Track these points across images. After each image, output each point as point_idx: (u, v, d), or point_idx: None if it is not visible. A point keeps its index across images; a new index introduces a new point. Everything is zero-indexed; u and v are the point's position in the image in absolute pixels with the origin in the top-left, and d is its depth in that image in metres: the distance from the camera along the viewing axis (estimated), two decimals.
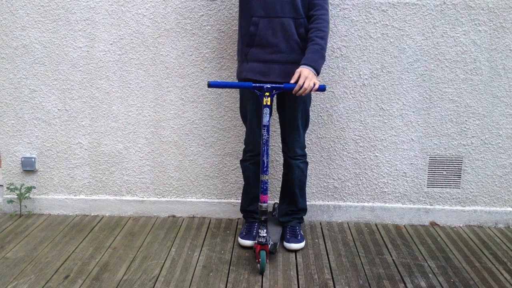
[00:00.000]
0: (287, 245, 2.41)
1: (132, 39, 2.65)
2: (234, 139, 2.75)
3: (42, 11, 2.63)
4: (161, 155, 2.79)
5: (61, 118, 2.76)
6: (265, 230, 2.19)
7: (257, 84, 2.14)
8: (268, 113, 2.16)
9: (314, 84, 2.09)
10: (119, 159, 2.81)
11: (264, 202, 2.20)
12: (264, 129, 2.18)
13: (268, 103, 2.15)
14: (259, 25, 2.21)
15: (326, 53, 2.34)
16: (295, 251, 2.41)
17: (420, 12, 2.56)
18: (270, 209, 2.80)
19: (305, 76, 2.09)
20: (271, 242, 2.30)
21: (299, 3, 2.20)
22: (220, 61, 2.66)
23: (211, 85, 2.14)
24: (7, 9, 2.63)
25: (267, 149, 2.19)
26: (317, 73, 2.15)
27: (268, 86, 2.13)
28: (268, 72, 2.26)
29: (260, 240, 2.19)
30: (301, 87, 2.10)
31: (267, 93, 2.14)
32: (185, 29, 2.63)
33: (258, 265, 2.17)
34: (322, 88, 2.13)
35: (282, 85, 2.14)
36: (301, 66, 2.14)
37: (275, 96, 2.40)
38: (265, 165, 2.20)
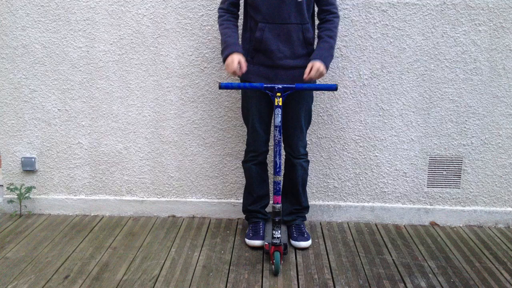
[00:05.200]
0: (295, 243, 2.41)
1: (132, 39, 2.65)
2: (234, 139, 2.75)
3: (42, 11, 2.63)
4: (161, 155, 2.79)
5: (61, 118, 2.76)
6: (279, 231, 2.19)
7: (269, 85, 2.15)
8: (280, 113, 2.16)
9: (323, 72, 2.16)
10: (119, 159, 2.81)
11: (278, 203, 2.20)
12: (276, 130, 2.18)
13: (280, 104, 2.15)
14: (265, 32, 2.21)
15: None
16: (303, 249, 2.41)
17: (420, 12, 2.56)
18: (270, 209, 2.80)
19: (316, 67, 2.14)
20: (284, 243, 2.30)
21: (305, 8, 2.20)
22: (220, 61, 2.65)
23: (222, 86, 2.14)
24: (7, 9, 2.63)
25: (280, 150, 2.19)
26: (326, 66, 2.19)
27: (280, 86, 2.14)
28: (273, 77, 2.28)
29: (274, 241, 2.19)
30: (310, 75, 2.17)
31: (278, 94, 2.14)
32: (185, 29, 2.63)
33: (273, 266, 2.17)
34: (334, 87, 2.14)
35: (294, 85, 2.15)
36: (312, 60, 2.17)
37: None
38: (278, 165, 2.19)
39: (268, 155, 2.52)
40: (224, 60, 2.18)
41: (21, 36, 2.66)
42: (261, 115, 2.36)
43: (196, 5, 2.60)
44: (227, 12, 2.30)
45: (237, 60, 2.13)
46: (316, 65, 2.13)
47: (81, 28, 2.64)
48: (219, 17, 2.31)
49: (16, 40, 2.67)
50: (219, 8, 2.33)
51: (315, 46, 2.33)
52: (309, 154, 2.73)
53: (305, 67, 2.26)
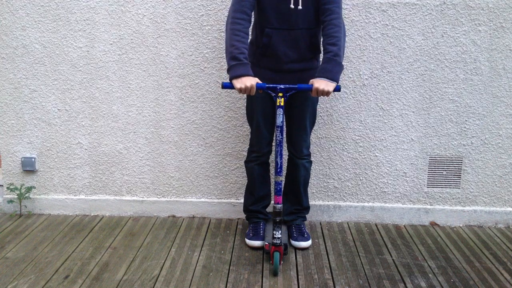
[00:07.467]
0: (295, 243, 2.41)
1: (132, 39, 2.65)
2: (234, 139, 2.75)
3: (42, 11, 2.63)
4: (161, 155, 2.79)
5: (61, 118, 2.76)
6: (280, 232, 2.20)
7: (271, 85, 2.15)
8: (281, 113, 2.16)
9: (328, 91, 2.07)
10: (119, 159, 2.81)
11: (278, 203, 2.20)
12: (278, 130, 2.18)
13: (282, 104, 2.15)
14: (272, 37, 2.19)
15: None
16: (303, 249, 2.41)
17: (420, 12, 2.56)
18: (270, 209, 2.80)
19: (316, 88, 2.07)
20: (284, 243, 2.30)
21: (313, 13, 2.17)
22: (220, 61, 2.66)
23: (224, 86, 2.13)
24: (7, 9, 2.63)
25: (281, 150, 2.19)
26: (334, 81, 2.08)
27: (282, 87, 2.14)
28: (279, 81, 2.27)
29: (275, 241, 2.19)
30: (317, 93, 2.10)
31: (280, 94, 2.14)
32: (185, 29, 2.63)
33: (272, 266, 2.18)
34: (337, 89, 2.12)
35: (296, 86, 2.14)
36: (316, 78, 2.10)
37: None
38: (279, 166, 2.19)
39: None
40: (235, 77, 2.08)
41: (21, 36, 2.66)
42: (266, 115, 2.36)
43: (196, 5, 2.60)
44: (243, 20, 2.11)
45: (254, 84, 2.07)
46: (316, 84, 2.07)
47: (81, 28, 2.64)
48: (233, 23, 2.09)
49: (16, 40, 2.67)
50: (233, 14, 2.10)
51: (321, 48, 2.31)
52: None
53: (310, 69, 2.27)
